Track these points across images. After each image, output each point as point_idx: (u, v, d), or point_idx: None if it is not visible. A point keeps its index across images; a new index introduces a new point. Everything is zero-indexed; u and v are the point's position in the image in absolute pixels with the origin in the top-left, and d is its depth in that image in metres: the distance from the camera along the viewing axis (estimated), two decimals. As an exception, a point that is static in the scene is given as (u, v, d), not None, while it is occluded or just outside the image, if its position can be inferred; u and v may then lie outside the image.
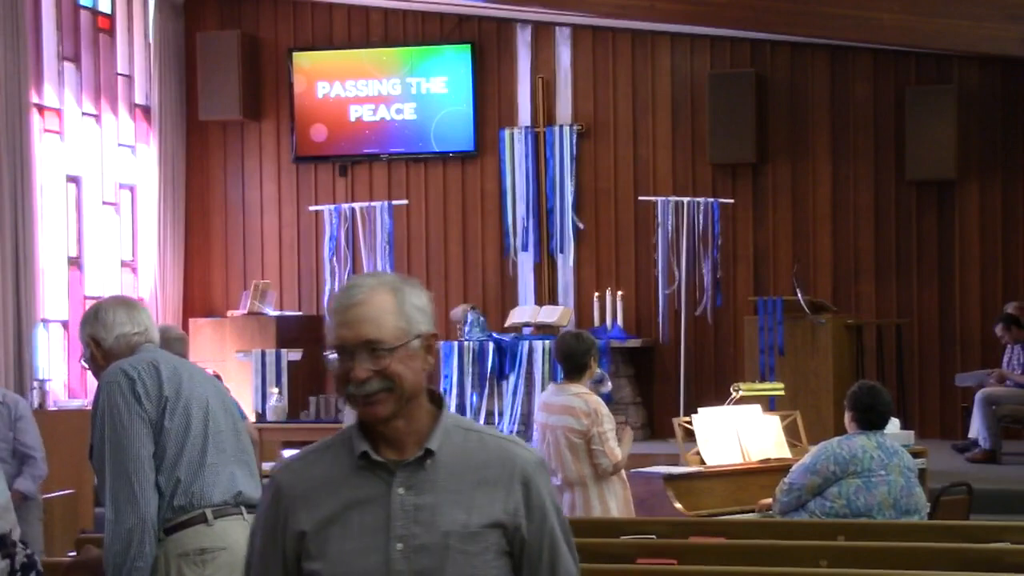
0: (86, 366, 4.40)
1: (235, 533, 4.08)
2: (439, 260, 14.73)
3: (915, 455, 7.98)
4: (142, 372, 4.08)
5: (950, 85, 13.49)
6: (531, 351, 13.26)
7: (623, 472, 7.33)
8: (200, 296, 15.19)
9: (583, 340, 7.35)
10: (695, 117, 14.09)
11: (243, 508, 4.13)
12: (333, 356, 2.66)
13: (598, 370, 7.60)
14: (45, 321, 12.80)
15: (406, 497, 2.64)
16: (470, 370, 13.31)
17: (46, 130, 13.03)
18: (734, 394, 8.47)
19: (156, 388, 4.06)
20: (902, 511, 6.45)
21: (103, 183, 13.96)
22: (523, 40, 14.60)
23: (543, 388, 13.10)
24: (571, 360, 7.27)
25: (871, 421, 6.58)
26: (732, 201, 13.73)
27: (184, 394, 4.10)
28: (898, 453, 6.60)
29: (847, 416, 6.65)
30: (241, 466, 4.20)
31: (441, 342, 13.66)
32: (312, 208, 14.58)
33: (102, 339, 4.26)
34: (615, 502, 7.18)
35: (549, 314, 13.71)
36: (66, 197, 13.38)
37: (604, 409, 7.19)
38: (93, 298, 13.56)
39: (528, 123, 14.50)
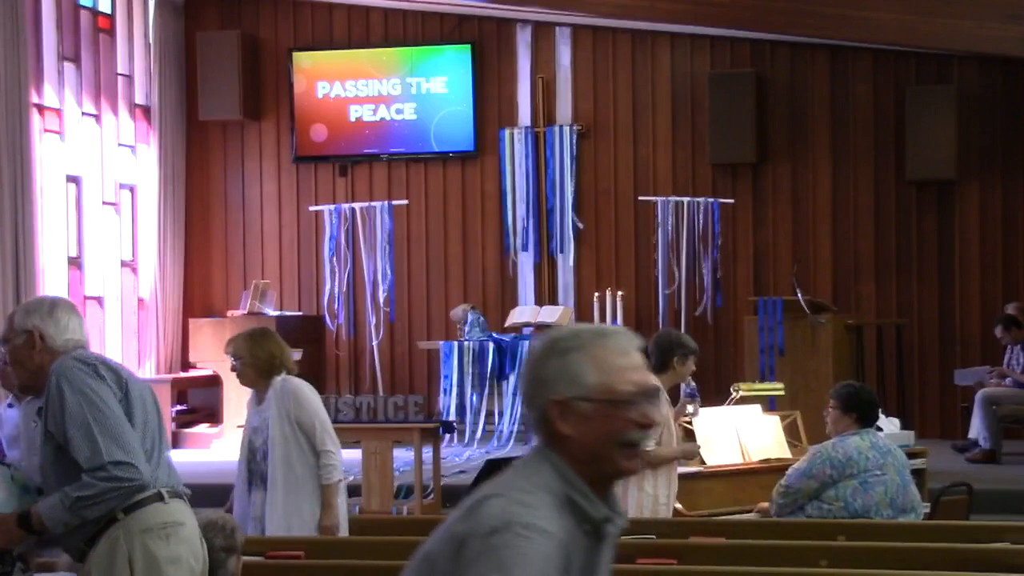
0: (2, 350, 4.35)
1: (185, 513, 4.17)
2: (439, 260, 14.72)
3: (915, 455, 7.99)
4: (95, 360, 4.13)
5: (950, 85, 13.49)
6: (531, 351, 13.23)
7: (655, 479, 7.19)
8: (200, 296, 15.19)
9: (661, 339, 7.22)
10: (695, 117, 14.09)
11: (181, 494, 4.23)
12: (596, 404, 2.46)
13: (691, 384, 7.53)
14: (45, 321, 12.77)
15: (607, 554, 2.55)
16: (470, 370, 13.29)
17: (46, 130, 13.03)
18: (734, 394, 8.46)
19: (114, 374, 4.11)
20: (899, 509, 6.45)
21: (103, 183, 13.95)
22: (523, 40, 14.59)
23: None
24: (651, 355, 7.28)
25: (870, 418, 6.60)
26: (732, 201, 13.73)
27: (133, 381, 4.17)
28: (892, 451, 6.60)
29: (841, 415, 6.60)
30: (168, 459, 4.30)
31: (441, 342, 13.69)
32: (312, 208, 14.58)
33: (50, 336, 4.22)
34: (632, 499, 7.12)
35: (549, 314, 13.70)
36: (66, 197, 13.37)
37: None
38: (93, 298, 13.59)
39: (528, 123, 14.50)
